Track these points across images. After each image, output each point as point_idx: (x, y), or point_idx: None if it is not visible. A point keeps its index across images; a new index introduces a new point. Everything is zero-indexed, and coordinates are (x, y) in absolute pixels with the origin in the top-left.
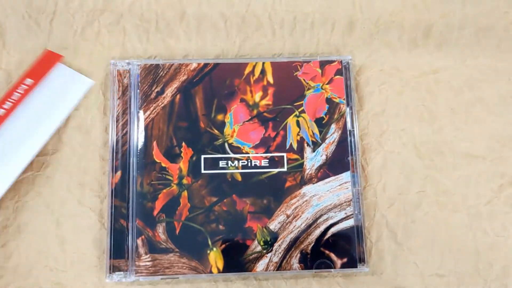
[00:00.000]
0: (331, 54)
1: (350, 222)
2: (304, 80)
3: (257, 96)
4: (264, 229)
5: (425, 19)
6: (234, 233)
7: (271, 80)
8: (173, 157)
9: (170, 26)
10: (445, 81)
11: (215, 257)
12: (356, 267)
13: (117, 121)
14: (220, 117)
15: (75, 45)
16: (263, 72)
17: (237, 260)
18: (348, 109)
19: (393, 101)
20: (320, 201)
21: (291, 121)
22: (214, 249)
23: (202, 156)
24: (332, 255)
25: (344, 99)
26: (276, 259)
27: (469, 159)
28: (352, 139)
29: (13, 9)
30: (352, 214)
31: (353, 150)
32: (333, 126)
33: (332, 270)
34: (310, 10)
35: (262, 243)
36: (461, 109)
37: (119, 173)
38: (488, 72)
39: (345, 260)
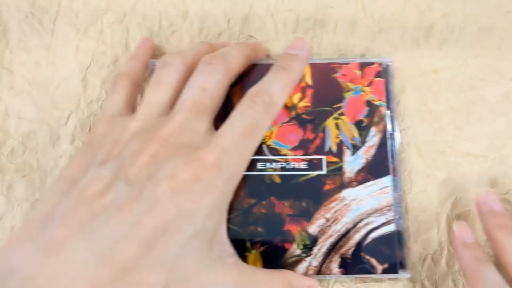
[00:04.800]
0: (334, 53)
1: (391, 227)
2: (343, 82)
3: (296, 97)
4: (303, 233)
5: (427, 19)
6: (272, 236)
7: (309, 81)
8: None
9: (173, 25)
10: (446, 81)
11: (254, 260)
12: (397, 272)
13: None
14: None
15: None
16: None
17: (276, 263)
18: (388, 112)
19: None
20: (360, 205)
21: (330, 123)
22: (253, 251)
23: None
24: (373, 261)
25: (384, 102)
26: (315, 263)
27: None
28: (393, 143)
29: (17, 8)
30: (393, 219)
31: (393, 154)
32: (373, 129)
33: (373, 275)
34: (313, 10)
35: (301, 247)
36: (462, 109)
37: None
38: (489, 72)
39: (386, 265)
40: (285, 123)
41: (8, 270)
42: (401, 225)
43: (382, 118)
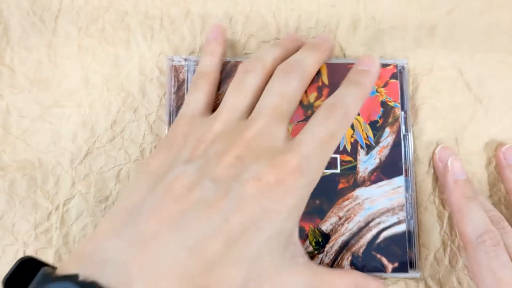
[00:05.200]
0: (337, 52)
1: (402, 227)
2: None
3: (312, 96)
4: (316, 230)
5: (431, 16)
6: None
7: (326, 81)
8: None
9: (174, 23)
10: (453, 78)
11: None
12: (407, 271)
13: (171, 115)
14: None
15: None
16: (318, 73)
17: None
18: (403, 113)
19: None
20: (373, 205)
21: None
22: None
23: None
24: (384, 259)
25: (399, 103)
26: (327, 260)
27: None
28: (406, 144)
29: (18, 6)
30: (404, 219)
31: (406, 154)
32: (387, 129)
33: (384, 274)
34: (314, 9)
35: (313, 244)
36: (469, 106)
37: None
38: (498, 68)
39: (396, 264)
40: (301, 121)
41: (102, 259)
42: (412, 225)
43: (397, 119)
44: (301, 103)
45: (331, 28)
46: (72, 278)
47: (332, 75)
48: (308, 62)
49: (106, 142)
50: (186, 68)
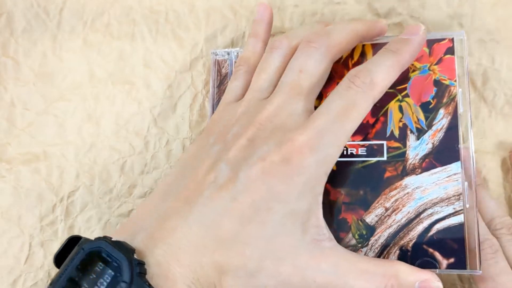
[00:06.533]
0: None
1: (459, 218)
2: None
3: None
4: (360, 222)
5: (433, 13)
6: (327, 224)
7: None
8: None
9: (179, 18)
10: None
11: None
12: (465, 268)
13: (213, 109)
14: (316, 103)
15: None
16: (363, 54)
17: None
18: (460, 90)
19: None
20: (425, 194)
21: (393, 106)
22: None
23: None
24: (437, 254)
25: (455, 81)
26: (372, 254)
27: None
28: (464, 124)
29: None
30: (461, 210)
31: (465, 137)
32: (441, 111)
33: (437, 270)
34: (319, 6)
35: (357, 237)
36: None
37: None
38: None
39: (452, 260)
40: None
41: (134, 231)
42: (472, 215)
43: (453, 99)
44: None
45: None
46: (106, 238)
47: None
48: (338, 30)
49: (111, 134)
50: (229, 62)
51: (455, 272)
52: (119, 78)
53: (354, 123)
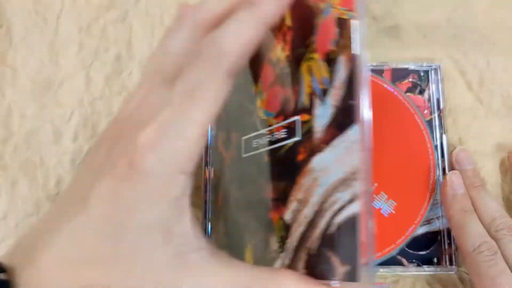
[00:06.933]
0: None
1: (354, 208)
2: (314, 4)
3: (279, 49)
4: (280, 221)
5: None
6: (260, 227)
7: (289, 22)
8: None
9: None
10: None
11: (249, 257)
12: (355, 280)
13: None
14: (253, 89)
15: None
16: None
17: (262, 260)
18: (357, 22)
19: None
20: (328, 177)
21: (303, 68)
22: (248, 245)
23: (243, 139)
24: (333, 259)
25: (354, 11)
26: (287, 262)
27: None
28: (362, 68)
29: (20, 5)
30: (357, 194)
31: (363, 87)
32: (341, 58)
33: (332, 282)
34: None
35: (279, 239)
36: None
37: None
38: None
39: (347, 268)
40: (271, 85)
41: (17, 248)
42: (368, 202)
43: (349, 36)
44: (270, 61)
45: None
46: None
47: (295, 11)
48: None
49: None
50: None
51: (348, 286)
52: (115, 83)
53: (205, 108)
